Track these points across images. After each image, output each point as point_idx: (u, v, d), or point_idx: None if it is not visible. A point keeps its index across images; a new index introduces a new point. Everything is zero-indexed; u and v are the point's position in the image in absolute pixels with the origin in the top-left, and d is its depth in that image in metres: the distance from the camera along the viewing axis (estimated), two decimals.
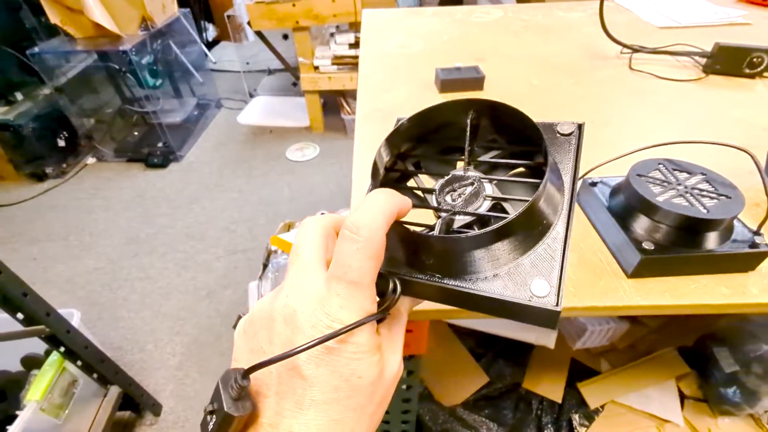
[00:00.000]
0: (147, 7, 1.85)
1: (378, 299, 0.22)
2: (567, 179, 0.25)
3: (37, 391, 0.86)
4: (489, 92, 0.70)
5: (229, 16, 2.67)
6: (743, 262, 0.37)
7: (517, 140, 0.28)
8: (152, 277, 1.57)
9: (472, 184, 0.26)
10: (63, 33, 1.83)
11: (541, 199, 0.22)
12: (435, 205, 0.27)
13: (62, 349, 0.88)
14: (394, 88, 0.73)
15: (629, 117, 0.63)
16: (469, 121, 0.27)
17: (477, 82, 0.70)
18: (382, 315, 0.21)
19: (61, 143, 2.08)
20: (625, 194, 0.40)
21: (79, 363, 0.93)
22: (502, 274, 0.22)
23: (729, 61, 0.70)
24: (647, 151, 0.43)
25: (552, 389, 0.90)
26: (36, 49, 1.82)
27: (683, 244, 0.37)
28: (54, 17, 1.76)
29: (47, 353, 0.93)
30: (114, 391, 1.05)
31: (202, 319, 1.42)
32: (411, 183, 0.30)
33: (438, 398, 0.90)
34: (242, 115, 2.51)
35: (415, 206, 0.27)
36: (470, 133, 0.27)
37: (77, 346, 0.90)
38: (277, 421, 0.19)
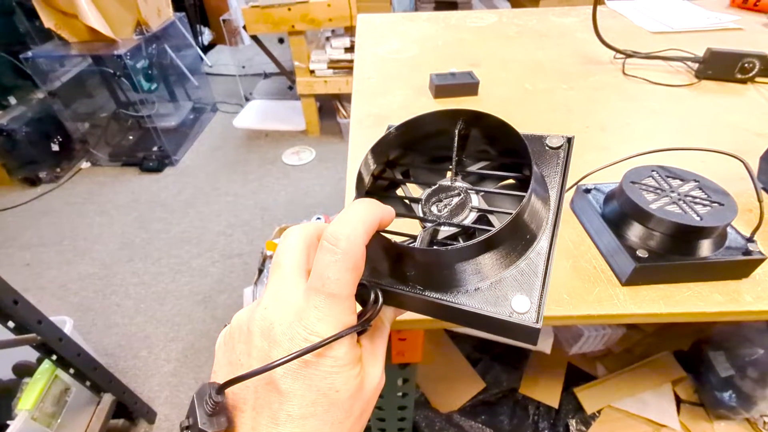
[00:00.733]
0: (142, 12, 1.85)
1: (361, 308, 0.22)
2: (553, 193, 0.25)
3: (28, 400, 0.85)
4: (483, 97, 0.70)
5: (224, 20, 2.67)
6: (737, 270, 0.37)
7: (507, 151, 0.27)
8: (147, 282, 1.56)
9: (458, 194, 0.26)
10: (57, 37, 1.82)
11: (525, 213, 0.22)
12: (421, 215, 0.27)
13: (54, 357, 0.87)
14: (388, 93, 0.73)
15: (623, 122, 0.63)
16: (456, 132, 0.27)
17: (471, 88, 0.70)
18: (361, 327, 0.21)
19: (55, 147, 2.07)
20: (619, 201, 0.40)
21: (71, 371, 0.92)
22: (484, 288, 0.22)
23: (721, 67, 0.71)
24: (640, 157, 0.43)
25: (549, 394, 0.89)
26: (30, 54, 1.81)
27: (677, 251, 0.37)
28: (48, 21, 1.75)
29: (39, 361, 0.92)
30: (107, 398, 1.04)
31: (198, 324, 1.41)
32: (400, 192, 0.30)
33: (434, 405, 0.90)
34: (238, 119, 2.50)
35: (402, 215, 0.27)
36: (458, 143, 0.27)
37: (69, 353, 0.88)
38: None
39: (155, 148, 2.16)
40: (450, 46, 0.90)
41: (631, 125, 0.62)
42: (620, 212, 0.40)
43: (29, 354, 0.92)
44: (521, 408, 0.89)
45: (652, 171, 0.42)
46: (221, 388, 0.19)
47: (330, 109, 2.39)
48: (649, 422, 0.84)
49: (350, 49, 1.99)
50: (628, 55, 0.78)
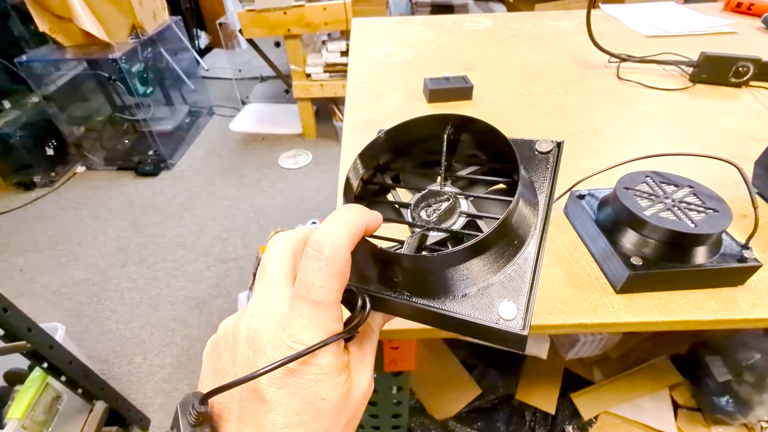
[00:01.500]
0: (137, 15, 1.84)
1: (350, 314, 0.22)
2: (542, 198, 0.25)
3: (18, 409, 0.84)
4: (477, 102, 0.70)
5: (221, 24, 2.67)
6: (732, 277, 0.37)
7: (496, 156, 0.27)
8: (141, 287, 1.54)
9: (447, 199, 0.26)
10: (52, 41, 1.82)
11: (513, 218, 0.22)
12: (410, 220, 0.26)
13: (45, 364, 0.85)
14: (382, 97, 0.72)
15: (617, 126, 0.62)
16: (445, 136, 0.27)
17: (465, 92, 0.70)
18: (348, 334, 0.20)
19: (50, 152, 2.06)
20: (613, 207, 0.40)
21: (63, 378, 0.90)
22: (472, 294, 0.22)
23: (715, 70, 0.70)
24: (634, 162, 0.42)
25: (545, 400, 0.89)
26: (24, 57, 1.80)
27: (672, 258, 0.36)
28: (43, 25, 1.74)
29: (31, 368, 0.91)
30: (100, 406, 1.02)
31: (193, 329, 1.39)
32: (390, 196, 0.30)
33: (430, 411, 0.89)
34: (234, 123, 2.50)
35: (391, 220, 0.27)
36: (447, 147, 0.27)
37: (61, 361, 0.87)
38: None
39: (151, 152, 2.15)
40: (444, 50, 0.90)
41: (626, 129, 0.62)
42: (614, 219, 0.39)
43: (20, 361, 0.90)
44: (518, 414, 0.88)
45: (646, 177, 0.41)
46: (204, 398, 0.18)
47: (326, 112, 2.39)
48: (647, 428, 0.83)
49: (346, 53, 1.99)
50: (623, 59, 0.78)
